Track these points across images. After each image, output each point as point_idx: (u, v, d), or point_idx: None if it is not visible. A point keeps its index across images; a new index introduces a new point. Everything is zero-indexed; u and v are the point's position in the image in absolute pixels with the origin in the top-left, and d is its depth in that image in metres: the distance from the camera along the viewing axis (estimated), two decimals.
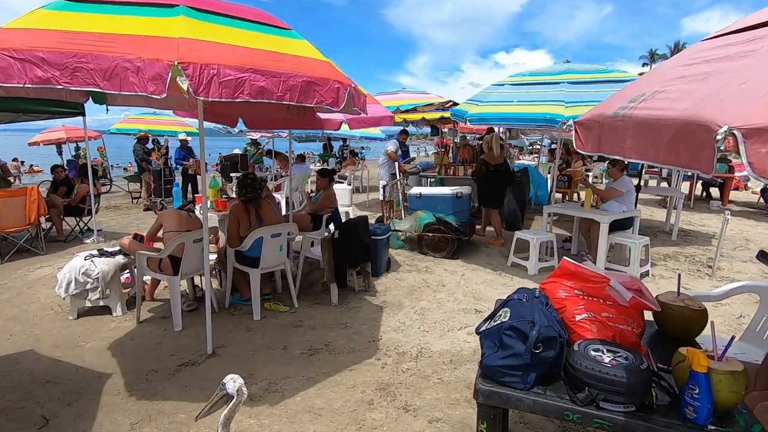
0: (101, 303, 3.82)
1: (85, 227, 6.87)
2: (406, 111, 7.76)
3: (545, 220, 5.51)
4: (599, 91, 4.24)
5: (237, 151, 12.08)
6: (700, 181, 11.54)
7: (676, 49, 53.37)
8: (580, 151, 1.79)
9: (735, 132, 0.82)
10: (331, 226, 5.59)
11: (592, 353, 1.46)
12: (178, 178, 10.73)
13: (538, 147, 40.74)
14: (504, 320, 1.52)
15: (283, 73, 2.28)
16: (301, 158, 9.63)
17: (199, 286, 4.24)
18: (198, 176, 10.67)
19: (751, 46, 1.10)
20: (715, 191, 11.42)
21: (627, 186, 5.44)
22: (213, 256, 4.36)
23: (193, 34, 2.26)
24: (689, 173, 10.47)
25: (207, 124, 9.04)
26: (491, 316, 1.67)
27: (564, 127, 3.79)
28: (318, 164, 13.28)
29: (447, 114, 7.23)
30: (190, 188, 10.71)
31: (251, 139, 11.78)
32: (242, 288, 4.04)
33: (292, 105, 3.43)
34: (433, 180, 7.98)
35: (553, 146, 15.39)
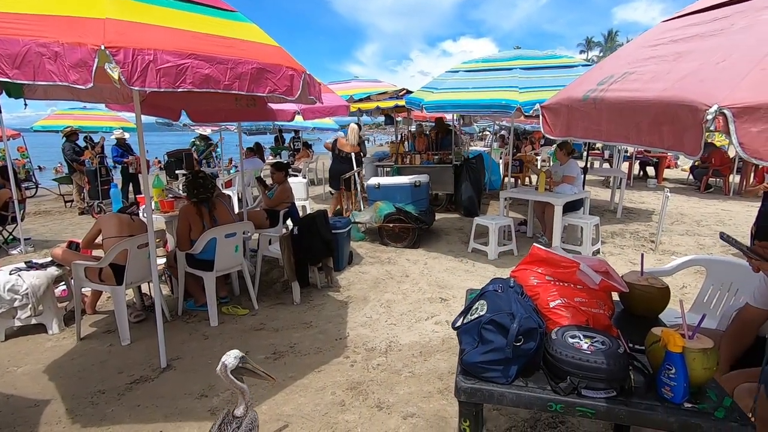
0: (33, 321, 3.43)
1: (10, 237, 6.18)
2: (360, 100, 7.60)
3: (502, 205, 5.61)
4: (551, 76, 4.32)
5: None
6: (638, 161, 12.35)
7: (610, 36, 56.46)
8: (548, 136, 1.76)
9: (725, 111, 0.79)
10: (289, 222, 5.42)
11: (570, 341, 1.44)
12: (117, 179, 9.95)
13: (487, 133, 41.94)
14: (482, 314, 1.47)
15: (230, 59, 2.08)
16: (252, 151, 9.22)
17: (148, 294, 3.93)
18: (140, 175, 9.97)
19: (718, 25, 1.09)
20: (651, 170, 12.25)
21: (576, 170, 5.65)
22: (162, 261, 4.05)
23: (123, 14, 2.00)
24: (628, 154, 11.15)
25: (147, 118, 8.41)
26: (466, 310, 1.62)
27: (532, 112, 3.82)
28: (270, 158, 12.83)
29: (401, 102, 7.16)
30: (131, 189, 9.98)
31: (199, 134, 11.12)
32: (196, 293, 3.78)
33: (241, 95, 3.22)
34: (389, 170, 7.92)
35: (503, 132, 15.85)
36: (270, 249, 4.05)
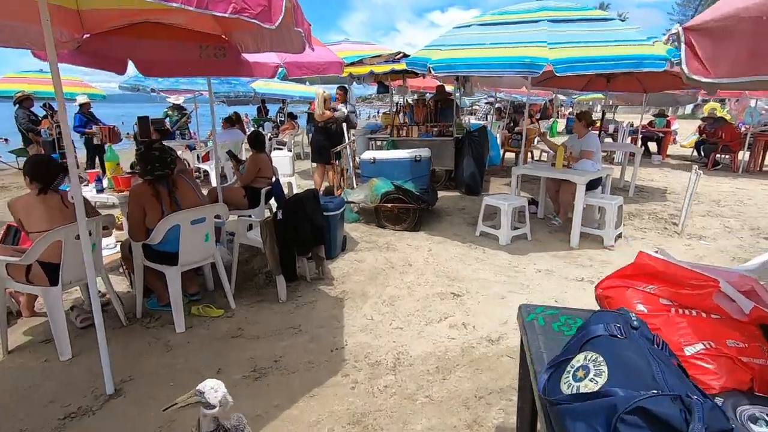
0: None
1: None
2: (352, 64, 6.77)
3: (514, 183, 4.98)
4: (586, 30, 3.62)
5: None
6: (639, 136, 11.81)
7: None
8: (697, 77, 1.08)
9: None
10: (273, 203, 4.71)
11: (755, 429, 0.83)
12: (80, 152, 9.00)
13: (477, 107, 40.99)
14: (603, 384, 0.84)
15: None
16: (230, 122, 8.35)
17: (100, 291, 3.22)
18: (108, 146, 9.02)
19: None
20: (652, 146, 11.75)
21: (596, 143, 5.03)
22: (111, 252, 3.34)
23: None
24: (633, 128, 10.59)
25: (110, 87, 7.40)
26: (559, 364, 1.00)
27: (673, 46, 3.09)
28: (252, 129, 11.90)
29: (398, 67, 6.38)
30: (98, 162, 9.05)
31: (172, 103, 10.09)
32: (159, 290, 3.11)
33: (207, 42, 2.48)
34: (383, 143, 7.19)
35: (499, 105, 15.10)
36: (249, 236, 3.37)
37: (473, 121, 11.69)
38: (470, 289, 3.53)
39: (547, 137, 5.51)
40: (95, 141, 8.77)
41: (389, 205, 5.04)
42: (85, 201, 2.74)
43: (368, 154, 5.59)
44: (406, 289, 3.56)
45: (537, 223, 5.28)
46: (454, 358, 2.60)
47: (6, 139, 15.18)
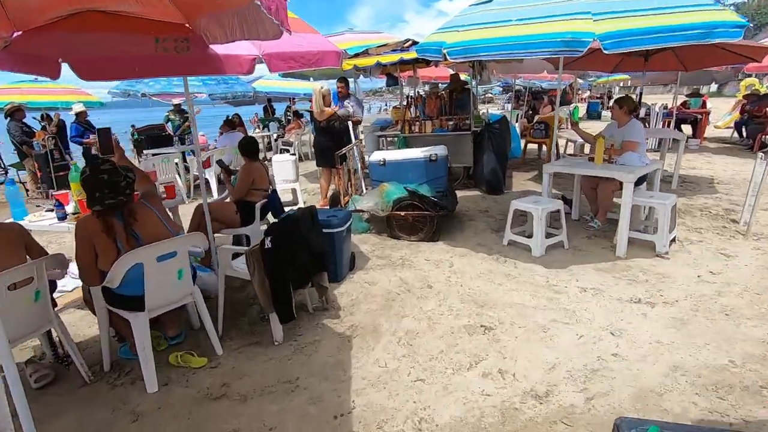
0: None
1: None
2: (356, 55, 6.16)
3: (546, 183, 4.31)
4: None
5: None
6: (673, 120, 10.89)
7: None
8: None
9: None
10: (271, 218, 4.16)
11: None
12: (81, 163, 8.64)
13: (491, 96, 39.80)
14: None
15: None
16: (230, 125, 7.84)
17: (58, 339, 2.73)
18: (73, 164, 8.64)
19: None
20: (686, 129, 10.81)
21: (640, 132, 4.33)
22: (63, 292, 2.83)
23: None
24: (667, 111, 9.71)
25: (111, 89, 6.95)
26: None
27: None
28: (256, 131, 11.40)
29: (408, 56, 5.75)
30: None
31: (173, 105, 9.63)
32: (130, 337, 2.59)
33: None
34: (393, 139, 6.58)
35: (512, 92, 14.25)
36: (236, 266, 2.82)
37: (492, 110, 10.94)
38: (503, 319, 2.92)
39: (579, 126, 4.80)
40: (94, 151, 8.38)
41: (403, 214, 4.45)
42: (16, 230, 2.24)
43: (378, 155, 4.99)
44: (426, 320, 2.97)
45: (571, 227, 4.61)
46: (492, 428, 2.01)
47: None
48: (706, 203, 5.32)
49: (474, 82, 7.21)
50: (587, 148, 8.06)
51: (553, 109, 11.52)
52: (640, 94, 6.04)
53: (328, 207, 5.18)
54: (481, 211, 5.46)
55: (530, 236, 4.05)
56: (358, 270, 3.86)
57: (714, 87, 26.27)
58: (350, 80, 7.91)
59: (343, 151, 4.99)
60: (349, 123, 5.56)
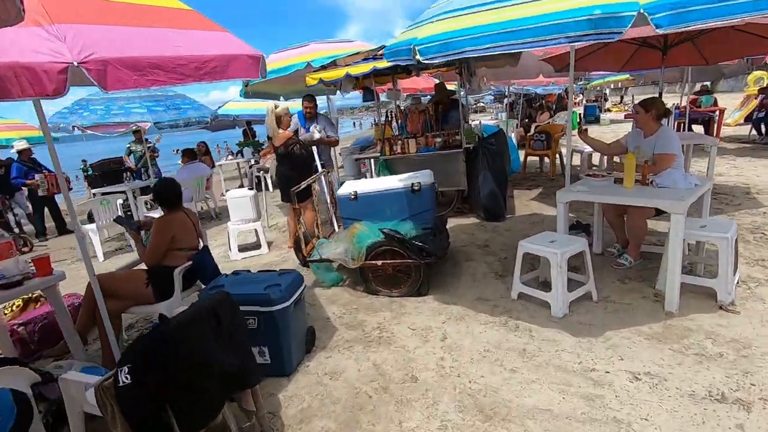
0: None
1: None
2: (322, 68, 5.26)
3: (563, 216, 3.32)
4: None
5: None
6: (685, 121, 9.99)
7: None
8: None
9: None
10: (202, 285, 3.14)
11: None
12: (25, 205, 7.68)
13: (483, 105, 39.11)
14: None
15: None
16: (190, 155, 6.89)
17: None
18: (56, 196, 7.66)
19: None
20: (697, 129, 9.91)
21: (676, 143, 3.38)
22: None
23: None
24: (679, 111, 8.81)
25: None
26: None
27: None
28: (229, 158, 10.48)
29: (381, 64, 4.84)
30: (47, 214, 7.71)
31: (133, 133, 8.61)
32: None
33: None
34: (375, 163, 5.63)
35: (508, 100, 13.40)
36: (90, 399, 1.81)
37: (485, 121, 10.00)
38: None
39: (588, 134, 3.83)
40: (40, 192, 7.44)
41: (379, 263, 3.46)
42: None
43: (347, 187, 4.01)
44: None
45: (595, 264, 3.63)
46: None
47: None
48: (755, 222, 4.35)
49: (462, 92, 6.30)
50: (596, 158, 7.14)
51: (551, 116, 10.65)
52: (660, 93, 5.11)
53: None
54: (480, 246, 4.47)
55: (546, 285, 3.06)
56: (319, 350, 2.85)
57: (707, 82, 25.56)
58: (327, 97, 7.03)
59: (303, 186, 4.00)
60: (314, 148, 4.60)
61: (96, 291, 2.43)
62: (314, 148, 4.65)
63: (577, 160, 8.03)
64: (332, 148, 5.63)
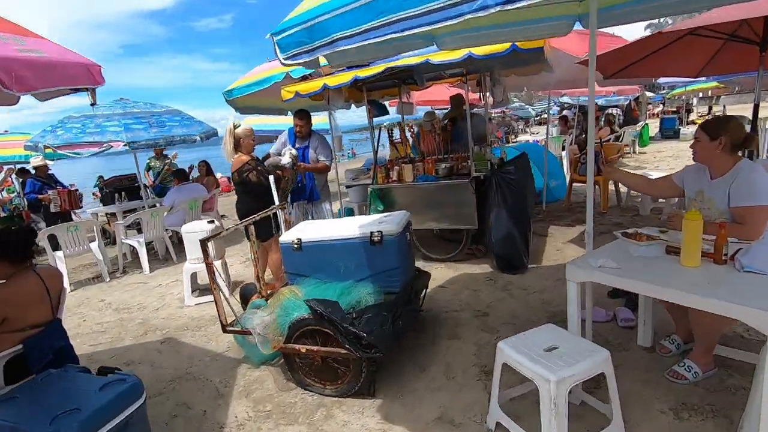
0: None
1: None
2: (303, 78, 4.41)
3: (575, 306, 2.09)
4: None
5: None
6: None
7: None
8: None
9: None
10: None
11: None
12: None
13: (546, 117, 36.78)
14: None
15: None
16: (182, 176, 6.36)
17: None
18: (72, 213, 7.54)
19: None
20: None
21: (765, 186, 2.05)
22: None
23: None
24: None
25: (25, 144, 5.84)
26: None
27: None
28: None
29: (364, 72, 3.86)
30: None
31: (154, 150, 8.35)
32: None
33: None
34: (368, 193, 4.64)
35: (566, 112, 11.72)
36: None
37: (534, 137, 8.45)
38: None
39: (619, 168, 2.54)
40: (52, 208, 7.31)
41: (303, 350, 2.47)
42: None
43: (292, 233, 3.06)
44: None
45: (636, 366, 2.35)
46: None
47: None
48: None
49: (491, 96, 5.02)
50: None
51: (612, 132, 8.98)
52: (756, 107, 3.60)
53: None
54: (479, 311, 3.31)
55: (535, 422, 1.87)
56: None
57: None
58: (330, 113, 6.17)
59: (249, 222, 3.12)
60: (271, 177, 3.71)
61: None
62: (271, 177, 3.76)
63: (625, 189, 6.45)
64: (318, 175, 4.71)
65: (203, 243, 2.70)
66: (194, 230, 4.18)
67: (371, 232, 2.79)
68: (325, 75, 4.21)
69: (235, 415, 2.42)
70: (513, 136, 18.19)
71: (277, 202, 3.68)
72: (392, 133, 5.23)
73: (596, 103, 11.53)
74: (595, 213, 5.82)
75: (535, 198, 4.74)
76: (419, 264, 4.56)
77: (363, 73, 3.90)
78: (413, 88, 5.60)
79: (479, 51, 3.35)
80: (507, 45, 3.32)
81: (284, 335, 2.51)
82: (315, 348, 2.44)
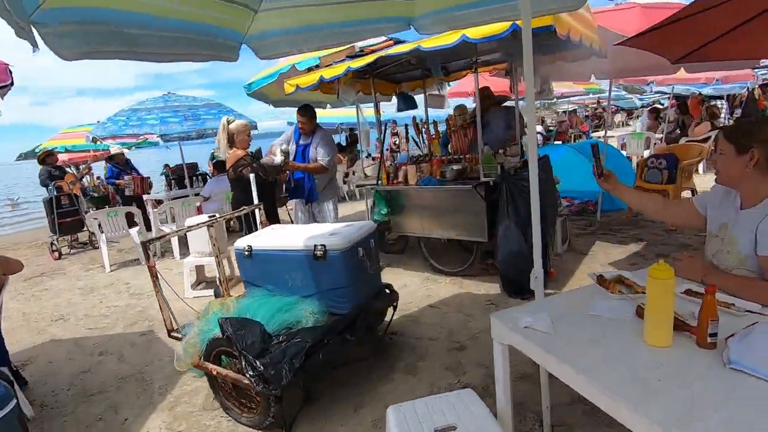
0: None
1: None
2: (308, 70, 4.17)
3: (501, 366, 1.56)
4: None
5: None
6: None
7: None
8: None
9: None
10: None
11: None
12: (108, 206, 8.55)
13: (658, 106, 32.34)
14: None
15: None
16: (221, 166, 6.59)
17: None
18: (144, 197, 8.33)
19: None
20: None
21: None
22: None
23: None
24: None
25: (87, 135, 6.46)
26: None
27: None
28: None
29: (356, 63, 3.49)
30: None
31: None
32: None
33: None
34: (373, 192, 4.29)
35: (657, 105, 9.93)
36: None
37: (622, 131, 7.08)
38: None
39: (619, 182, 1.84)
40: (127, 192, 8.15)
41: (214, 371, 2.26)
42: None
43: (248, 239, 2.86)
44: None
45: None
46: None
47: (13, 204, 15.88)
48: None
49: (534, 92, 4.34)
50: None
51: (713, 128, 7.39)
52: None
53: None
54: (456, 344, 2.84)
55: None
56: None
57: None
58: (357, 106, 5.89)
59: (225, 217, 3.02)
60: (252, 176, 3.56)
61: None
62: (252, 176, 3.59)
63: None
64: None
65: (144, 245, 2.62)
66: (196, 222, 4.22)
67: (315, 246, 2.48)
68: (325, 67, 3.93)
69: (147, 430, 2.31)
70: (602, 131, 16.13)
71: (256, 201, 3.52)
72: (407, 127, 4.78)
73: (696, 92, 9.59)
74: (662, 230, 4.77)
75: (557, 211, 3.94)
76: (424, 276, 4.15)
77: (355, 63, 3.53)
78: (445, 79, 5.07)
79: (474, 33, 2.80)
80: (506, 25, 2.71)
81: (203, 352, 2.33)
82: (224, 372, 2.21)
